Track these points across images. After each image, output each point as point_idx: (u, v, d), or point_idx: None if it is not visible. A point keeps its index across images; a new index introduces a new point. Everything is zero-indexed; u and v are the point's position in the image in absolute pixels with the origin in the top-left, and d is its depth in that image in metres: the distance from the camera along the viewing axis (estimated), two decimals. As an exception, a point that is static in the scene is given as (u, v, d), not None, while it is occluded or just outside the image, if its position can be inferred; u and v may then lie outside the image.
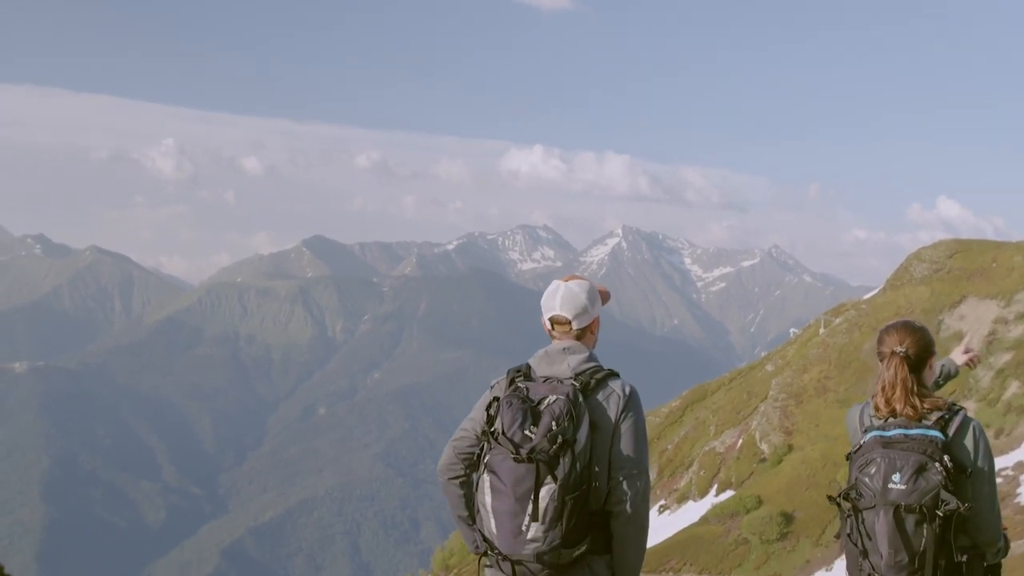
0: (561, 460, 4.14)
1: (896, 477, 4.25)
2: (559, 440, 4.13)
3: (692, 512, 44.87)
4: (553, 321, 4.67)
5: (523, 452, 4.14)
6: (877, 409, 4.59)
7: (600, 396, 4.42)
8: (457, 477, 4.61)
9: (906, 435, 4.38)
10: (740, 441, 48.15)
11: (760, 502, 39.31)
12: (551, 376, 4.47)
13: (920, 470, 4.24)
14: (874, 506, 4.29)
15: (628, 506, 4.34)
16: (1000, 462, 37.45)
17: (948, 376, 5.44)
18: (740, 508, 39.83)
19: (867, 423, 4.65)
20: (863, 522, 4.35)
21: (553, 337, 4.70)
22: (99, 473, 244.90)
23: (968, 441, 4.45)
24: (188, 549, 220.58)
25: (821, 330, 57.35)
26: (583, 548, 4.27)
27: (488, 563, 4.46)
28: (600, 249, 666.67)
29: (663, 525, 45.45)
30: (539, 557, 4.21)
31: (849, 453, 4.56)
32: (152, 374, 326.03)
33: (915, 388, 4.60)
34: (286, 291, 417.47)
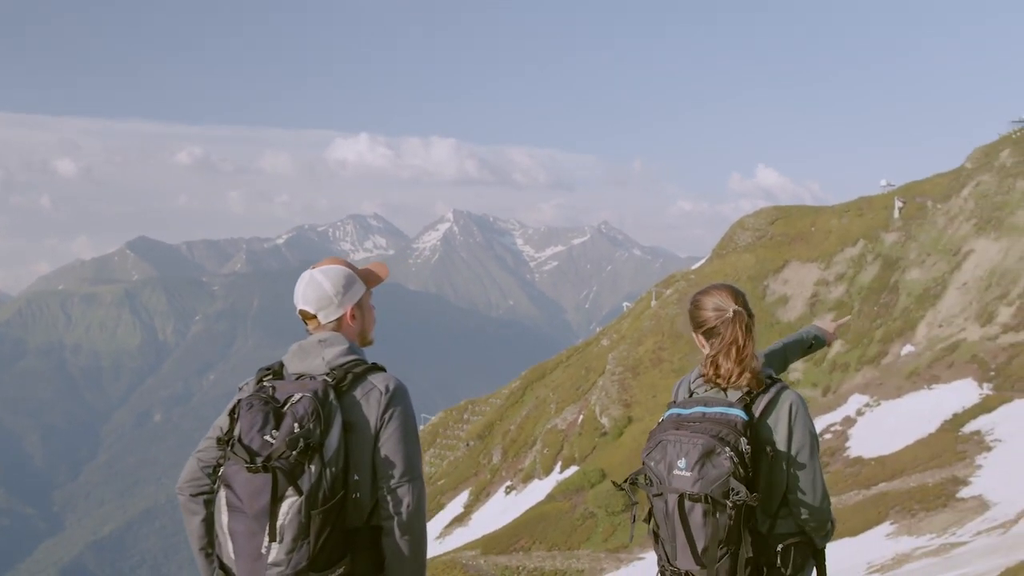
0: (306, 468, 3.49)
1: (681, 463, 3.75)
2: (301, 444, 3.48)
3: (538, 490, 45.39)
4: (301, 315, 4.06)
5: (259, 460, 3.48)
6: (716, 377, 4.02)
7: (358, 393, 3.77)
8: (202, 493, 3.86)
9: (704, 414, 3.87)
10: (581, 417, 48.88)
11: (604, 475, 40.00)
12: (304, 373, 3.82)
13: (707, 455, 3.72)
14: (661, 494, 3.83)
15: (399, 519, 3.71)
16: (828, 418, 38.97)
17: (815, 346, 4.97)
18: (585, 483, 40.47)
19: (677, 398, 4.16)
20: (654, 509, 3.90)
21: (308, 331, 4.06)
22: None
23: (776, 420, 3.94)
24: (24, 571, 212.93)
25: (653, 302, 58.58)
26: (340, 570, 3.62)
27: None
28: (432, 235, 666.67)
29: (510, 506, 45.87)
30: None
31: (651, 432, 4.02)
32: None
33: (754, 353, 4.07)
34: (111, 296, 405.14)
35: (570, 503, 39.52)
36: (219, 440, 3.65)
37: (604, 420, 46.25)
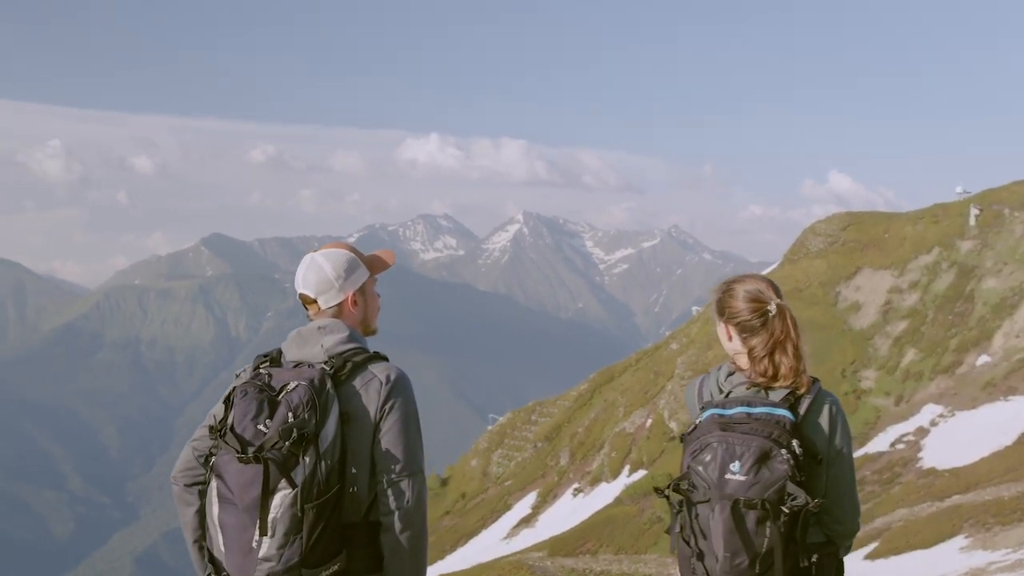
0: (300, 460, 3.31)
1: (735, 466, 3.42)
2: (295, 435, 3.30)
3: (606, 494, 45.35)
4: (301, 300, 3.88)
5: (250, 451, 3.31)
6: (772, 377, 3.69)
7: (357, 383, 3.60)
8: (196, 483, 3.69)
9: (749, 414, 3.55)
10: (649, 421, 48.75)
11: (672, 480, 39.87)
12: (303, 360, 3.64)
13: (763, 458, 3.42)
14: (708, 500, 3.46)
15: (398, 515, 3.53)
16: (900, 428, 38.54)
17: None
18: (652, 487, 40.39)
19: (708, 398, 3.81)
20: (697, 518, 3.52)
21: (309, 317, 3.88)
22: (0, 486, 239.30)
23: (823, 420, 3.68)
24: (100, 559, 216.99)
25: (723, 307, 58.16)
26: (335, 567, 3.44)
27: None
28: (502, 236, 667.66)
29: (578, 508, 45.87)
30: None
31: (683, 435, 3.71)
32: (51, 383, 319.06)
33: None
34: (186, 291, 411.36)
35: (638, 507, 39.44)
36: (211, 428, 3.47)
37: (672, 425, 46.08)
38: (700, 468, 3.50)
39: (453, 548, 48.35)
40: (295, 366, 3.59)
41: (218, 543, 3.42)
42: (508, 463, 62.25)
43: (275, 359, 3.68)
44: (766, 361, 3.68)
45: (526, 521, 50.56)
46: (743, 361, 3.78)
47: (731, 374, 3.81)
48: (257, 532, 3.30)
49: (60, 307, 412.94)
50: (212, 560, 3.51)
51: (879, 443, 38.61)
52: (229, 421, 3.42)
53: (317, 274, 3.79)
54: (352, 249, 3.92)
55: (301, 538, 3.31)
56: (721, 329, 3.89)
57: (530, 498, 53.66)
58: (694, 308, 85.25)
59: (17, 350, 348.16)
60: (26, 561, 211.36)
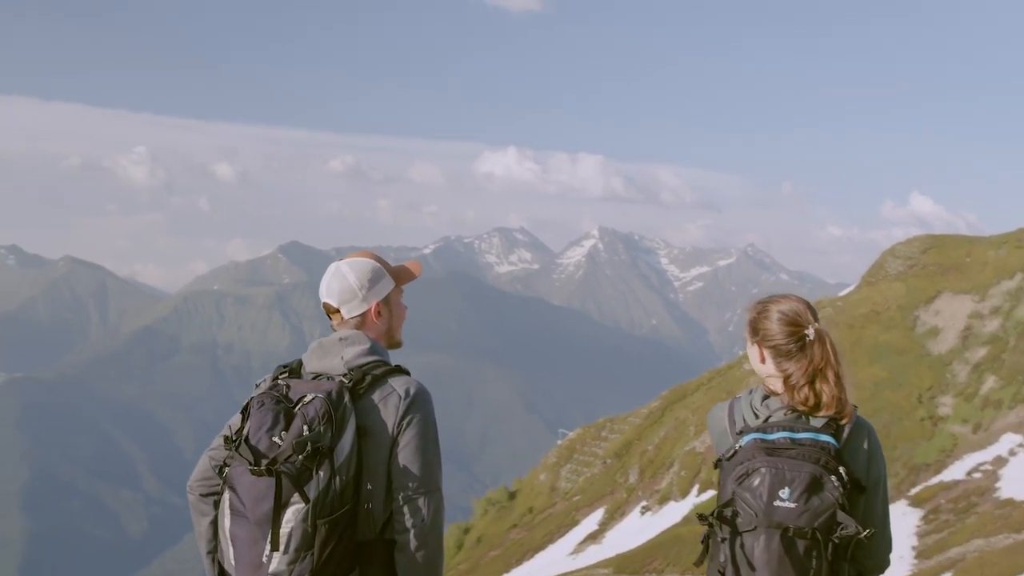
0: (314, 474, 3.24)
1: (784, 493, 3.25)
2: (309, 448, 3.22)
3: (674, 512, 45.06)
4: (325, 310, 3.80)
5: (264, 463, 3.22)
6: (815, 406, 3.51)
7: (376, 396, 3.50)
8: (212, 493, 3.60)
9: (793, 439, 3.39)
10: (720, 440, 48.38)
11: (716, 507, 39.51)
12: (322, 372, 3.56)
13: (814, 485, 3.26)
14: (755, 528, 3.28)
15: (414, 533, 3.42)
16: (977, 457, 37.81)
17: None
18: (696, 514, 40.06)
19: (741, 423, 3.62)
20: (742, 547, 3.31)
21: (332, 327, 3.80)
22: (79, 484, 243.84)
23: (863, 448, 3.56)
24: (171, 559, 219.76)
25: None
26: None
27: None
28: (577, 251, 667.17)
29: (645, 526, 45.64)
30: None
31: (718, 460, 3.55)
32: (130, 384, 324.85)
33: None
34: (263, 298, 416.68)
35: (705, 527, 39.18)
36: (226, 439, 3.39)
37: (744, 445, 45.71)
38: (747, 495, 3.30)
39: (519, 562, 48.36)
40: (314, 378, 3.51)
41: (229, 556, 3.36)
42: (577, 478, 62.15)
43: (295, 370, 3.59)
44: (806, 389, 3.51)
45: (593, 537, 50.42)
46: (776, 385, 3.62)
47: (766, 398, 3.62)
48: (268, 546, 3.22)
49: (140, 310, 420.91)
50: (222, 573, 3.47)
51: (955, 471, 37.94)
52: (244, 432, 3.34)
53: (341, 283, 3.72)
54: (378, 258, 3.86)
55: (312, 554, 3.24)
56: (754, 351, 3.74)
57: (597, 514, 53.50)
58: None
59: (98, 351, 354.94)
60: (102, 558, 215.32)
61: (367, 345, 3.63)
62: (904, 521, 29.16)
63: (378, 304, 3.77)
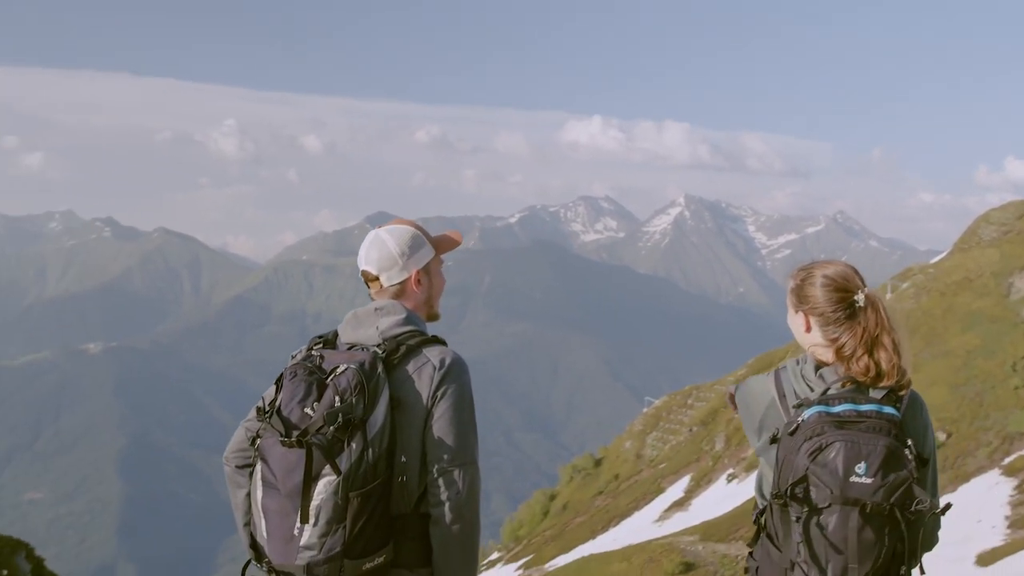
0: (346, 446, 3.14)
1: (860, 468, 3.03)
2: (340, 420, 3.12)
3: (760, 480, 44.86)
4: (363, 279, 3.71)
5: (295, 434, 3.13)
6: (876, 376, 3.28)
7: (411, 367, 3.40)
8: (247, 465, 3.50)
9: (858, 412, 3.16)
10: (808, 408, 47.93)
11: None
12: (357, 343, 3.47)
13: (890, 459, 3.05)
14: (829, 505, 3.06)
15: (449, 506, 3.32)
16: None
17: None
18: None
19: (793, 396, 3.36)
20: (818, 526, 3.09)
21: (371, 296, 3.72)
22: (174, 450, 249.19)
23: (921, 419, 3.39)
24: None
25: (888, 295, 56.82)
26: (380, 559, 3.25)
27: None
28: (663, 219, 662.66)
29: (732, 494, 45.50)
30: (310, 569, 3.16)
31: (775, 435, 3.31)
32: (222, 352, 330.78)
33: None
34: (351, 268, 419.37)
35: (793, 495, 38.95)
36: (258, 410, 3.32)
37: (833, 413, 45.29)
38: (822, 470, 3.07)
39: (605, 528, 48.48)
40: (349, 348, 3.43)
41: (261, 528, 3.26)
42: (662, 446, 62.07)
43: (330, 341, 3.51)
44: (866, 359, 3.31)
45: (679, 505, 50.33)
46: (825, 355, 3.42)
47: (818, 369, 3.40)
48: (299, 519, 3.14)
49: (232, 280, 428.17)
50: (254, 545, 3.35)
51: (1050, 440, 37.26)
52: (277, 403, 3.26)
53: (380, 250, 3.64)
54: (418, 227, 3.77)
55: (344, 527, 3.15)
56: (798, 320, 3.52)
57: (683, 482, 53.38)
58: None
59: (191, 321, 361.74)
60: (195, 521, 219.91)
61: (403, 315, 3.54)
62: (997, 491, 28.68)
63: (418, 272, 3.68)
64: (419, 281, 3.70)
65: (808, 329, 3.48)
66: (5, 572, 11.45)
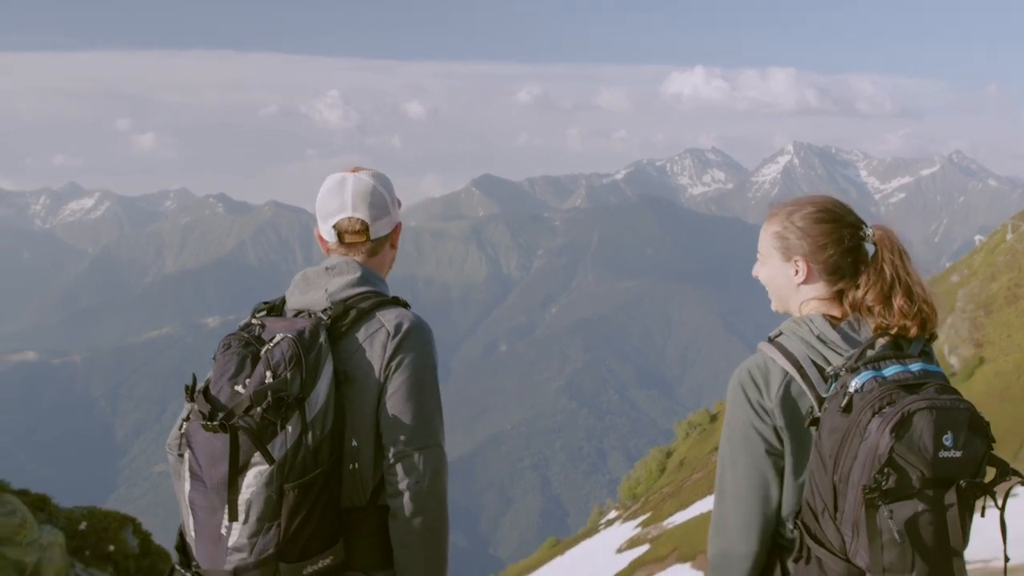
0: (280, 430, 2.63)
1: (948, 439, 2.39)
2: (270, 399, 2.60)
3: (881, 430, 44.09)
4: (340, 230, 3.08)
5: (219, 417, 2.62)
6: (907, 318, 2.69)
7: (361, 334, 2.88)
8: None
9: (912, 372, 2.54)
10: (928, 356, 46.92)
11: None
12: (304, 308, 2.96)
13: (975, 426, 2.45)
14: (919, 490, 2.39)
15: (408, 497, 2.79)
16: None
17: None
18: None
19: (822, 363, 2.71)
20: (913, 516, 2.39)
21: (330, 253, 3.14)
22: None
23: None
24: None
25: (1009, 235, 55.19)
26: (327, 561, 2.73)
27: None
28: (771, 168, 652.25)
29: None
30: (238, 574, 2.65)
31: (813, 416, 2.61)
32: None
33: None
34: (459, 231, 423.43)
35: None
36: (187, 388, 2.74)
37: (953, 360, 44.25)
38: (907, 448, 2.39)
39: (723, 484, 48.17)
40: (296, 315, 2.94)
41: (189, 526, 2.75)
42: (779, 399, 61.22)
43: (277, 307, 3.03)
44: (903, 302, 2.72)
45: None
46: (832, 309, 2.85)
47: (834, 327, 2.76)
48: (226, 516, 2.64)
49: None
50: (182, 545, 2.81)
51: None
52: (211, 380, 2.75)
53: (373, 196, 3.07)
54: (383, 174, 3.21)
55: (279, 525, 2.64)
56: (788, 270, 2.96)
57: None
58: (977, 237, 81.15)
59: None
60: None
61: (357, 274, 3.01)
62: None
63: (399, 227, 3.24)
64: (395, 240, 3.25)
65: (807, 279, 2.90)
66: (112, 547, 11.67)
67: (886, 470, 2.38)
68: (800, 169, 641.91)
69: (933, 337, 2.72)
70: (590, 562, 40.26)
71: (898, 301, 2.70)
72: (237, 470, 2.61)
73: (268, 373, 2.64)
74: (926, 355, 2.65)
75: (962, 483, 2.38)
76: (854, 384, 2.51)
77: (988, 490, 2.43)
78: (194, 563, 2.74)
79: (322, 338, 2.77)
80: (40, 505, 12.18)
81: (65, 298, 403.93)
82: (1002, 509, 2.51)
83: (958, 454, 2.39)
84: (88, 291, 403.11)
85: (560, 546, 53.65)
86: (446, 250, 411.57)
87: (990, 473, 2.45)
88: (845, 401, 2.49)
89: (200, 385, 2.74)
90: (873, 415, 2.44)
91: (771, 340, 2.86)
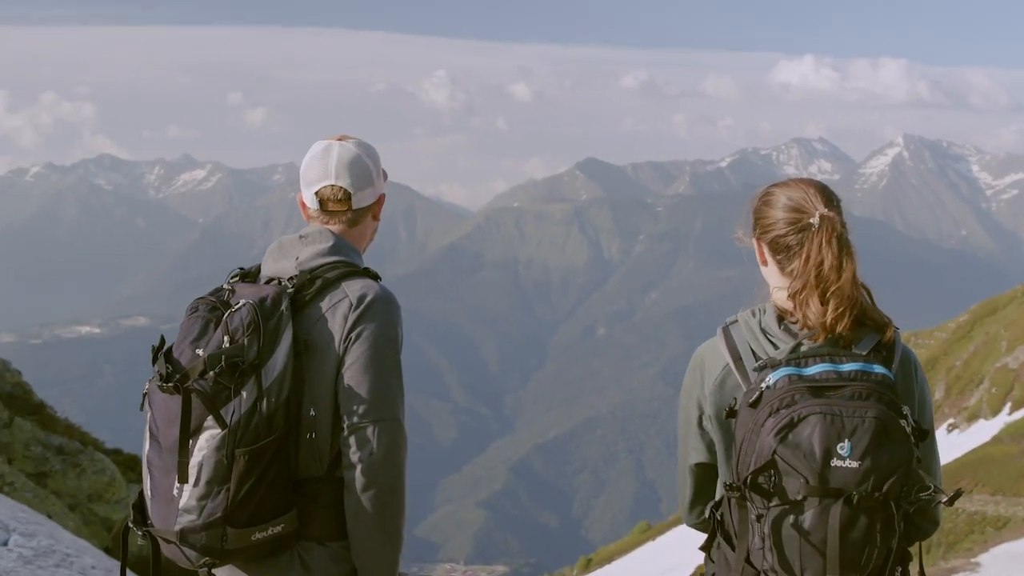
0: (235, 395, 2.65)
1: (843, 448, 2.28)
2: (223, 363, 2.62)
3: (983, 431, 44.03)
4: (322, 197, 3.04)
5: (175, 379, 2.64)
6: (818, 319, 2.56)
7: (325, 304, 2.86)
8: None
9: (838, 373, 2.41)
10: (1035, 357, 46.68)
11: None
12: (275, 276, 2.97)
13: (881, 435, 2.30)
14: (804, 498, 2.29)
15: (361, 470, 2.76)
16: None
17: None
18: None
19: (757, 354, 2.61)
20: (792, 524, 2.31)
21: (311, 221, 3.11)
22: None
23: (917, 381, 2.70)
24: (478, 466, 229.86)
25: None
26: (277, 529, 2.73)
27: (140, 540, 2.81)
28: (880, 160, 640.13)
29: (953, 445, 44.80)
30: (184, 536, 2.66)
31: (732, 407, 2.55)
32: (438, 299, 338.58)
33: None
34: (561, 214, 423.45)
35: (1018, 447, 38.13)
36: (153, 348, 2.76)
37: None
38: (792, 452, 2.30)
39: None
40: (268, 282, 2.96)
41: (146, 486, 2.78)
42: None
43: (252, 274, 3.03)
44: (816, 300, 2.58)
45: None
46: (784, 300, 2.68)
47: (782, 319, 2.65)
48: (177, 477, 2.65)
49: (446, 228, 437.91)
50: (139, 503, 2.82)
51: None
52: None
53: (359, 165, 3.04)
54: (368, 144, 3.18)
55: (228, 489, 2.65)
56: (758, 252, 2.86)
57: (902, 430, 52.71)
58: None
59: (407, 267, 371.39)
60: (415, 463, 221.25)
61: (329, 243, 2.98)
62: None
63: (382, 198, 3.22)
64: (380, 208, 3.24)
65: (764, 262, 2.81)
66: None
67: (770, 472, 2.32)
68: (909, 162, 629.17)
69: (887, 338, 2.62)
70: (680, 549, 40.90)
71: (814, 299, 2.57)
72: (189, 433, 2.63)
73: (226, 338, 2.67)
74: (880, 356, 2.53)
75: (854, 495, 2.26)
76: (768, 380, 2.43)
77: (886, 504, 2.29)
78: (148, 522, 2.75)
79: (284, 306, 2.77)
80: (131, 464, 13.08)
81: (176, 267, 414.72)
82: (908, 528, 2.46)
83: (854, 464, 2.27)
84: (198, 261, 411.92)
85: (651, 531, 54.29)
86: (548, 232, 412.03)
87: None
88: (754, 397, 2.42)
89: (167, 347, 2.76)
90: (770, 415, 2.36)
91: (725, 327, 2.74)
